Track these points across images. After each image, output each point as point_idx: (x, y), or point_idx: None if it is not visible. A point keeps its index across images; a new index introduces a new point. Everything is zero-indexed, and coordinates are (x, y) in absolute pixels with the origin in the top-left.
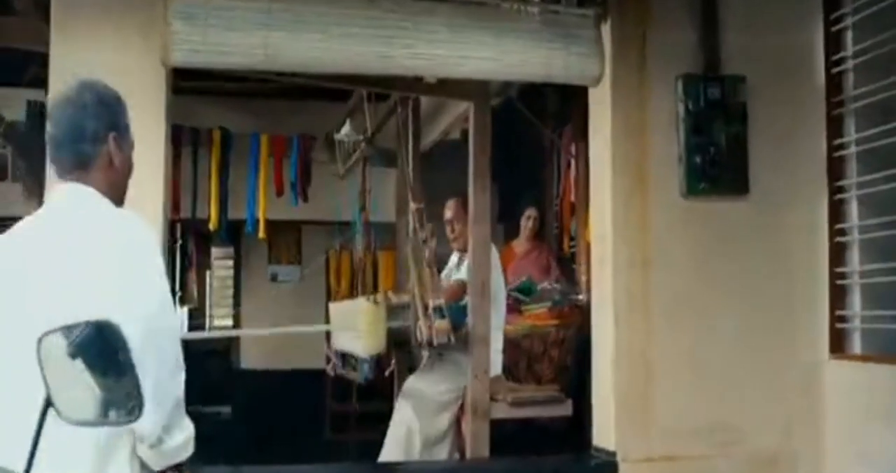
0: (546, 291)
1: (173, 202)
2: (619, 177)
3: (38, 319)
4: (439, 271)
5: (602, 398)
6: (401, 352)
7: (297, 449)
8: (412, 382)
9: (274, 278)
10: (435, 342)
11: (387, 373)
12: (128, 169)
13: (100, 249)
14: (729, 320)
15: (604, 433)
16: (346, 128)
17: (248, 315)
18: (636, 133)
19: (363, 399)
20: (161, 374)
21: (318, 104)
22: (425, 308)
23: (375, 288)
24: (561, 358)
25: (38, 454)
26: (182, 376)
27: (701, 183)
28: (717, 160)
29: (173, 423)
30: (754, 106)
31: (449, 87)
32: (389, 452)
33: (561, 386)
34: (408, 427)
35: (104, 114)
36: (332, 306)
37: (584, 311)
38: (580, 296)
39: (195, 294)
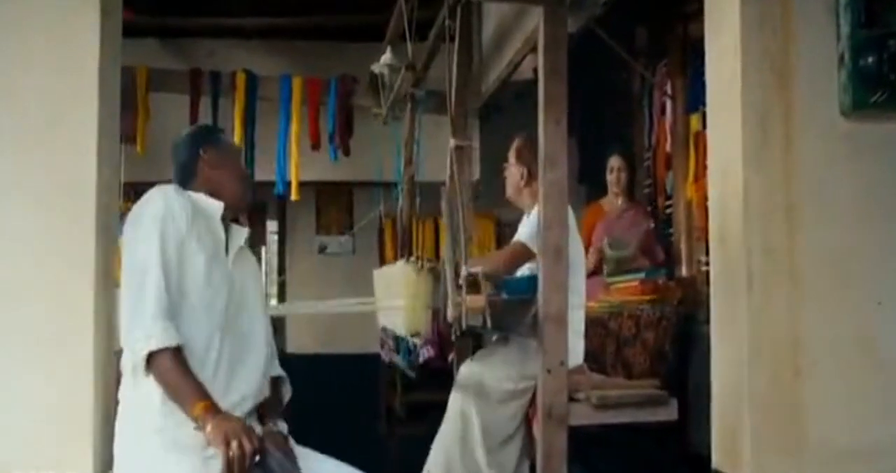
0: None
1: None
2: (751, 88)
3: None
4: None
5: (727, 404)
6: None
7: (348, 446)
8: (468, 369)
9: (322, 250)
10: (464, 323)
11: (449, 359)
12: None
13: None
14: None
15: (729, 452)
16: (386, 57)
17: (293, 292)
18: (776, 24)
19: (424, 388)
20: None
21: (359, 45)
22: (457, 276)
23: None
24: (657, 342)
25: None
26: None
27: (872, 94)
28: None
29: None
30: None
31: None
32: (440, 455)
33: (659, 379)
34: (463, 424)
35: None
36: (377, 273)
37: (686, 284)
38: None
39: None
